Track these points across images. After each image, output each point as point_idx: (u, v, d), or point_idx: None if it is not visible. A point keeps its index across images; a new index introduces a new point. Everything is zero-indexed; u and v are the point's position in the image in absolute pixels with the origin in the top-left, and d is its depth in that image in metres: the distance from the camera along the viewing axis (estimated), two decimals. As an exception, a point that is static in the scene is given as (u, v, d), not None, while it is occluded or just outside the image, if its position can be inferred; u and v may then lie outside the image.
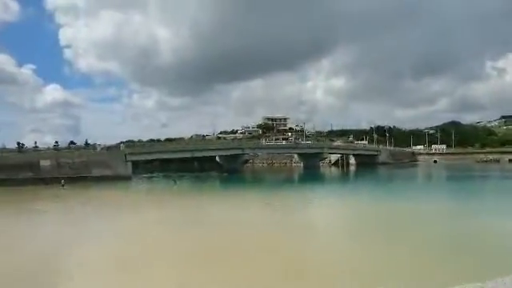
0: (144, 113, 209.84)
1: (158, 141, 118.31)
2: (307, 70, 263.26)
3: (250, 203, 29.40)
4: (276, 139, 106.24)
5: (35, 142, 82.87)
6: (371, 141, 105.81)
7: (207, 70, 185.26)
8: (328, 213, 24.35)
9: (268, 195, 34.88)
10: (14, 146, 77.75)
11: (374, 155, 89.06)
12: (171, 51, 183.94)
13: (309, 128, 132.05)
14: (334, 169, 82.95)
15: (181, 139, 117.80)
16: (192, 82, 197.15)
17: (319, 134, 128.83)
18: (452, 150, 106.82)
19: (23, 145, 80.00)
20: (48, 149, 66.42)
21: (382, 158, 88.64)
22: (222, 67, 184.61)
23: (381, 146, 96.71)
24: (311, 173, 69.49)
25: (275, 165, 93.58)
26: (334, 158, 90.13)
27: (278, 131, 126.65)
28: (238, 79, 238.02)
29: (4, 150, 60.24)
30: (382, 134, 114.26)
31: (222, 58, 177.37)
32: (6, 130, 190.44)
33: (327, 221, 21.06)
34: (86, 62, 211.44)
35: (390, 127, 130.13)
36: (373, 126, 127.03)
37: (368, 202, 28.66)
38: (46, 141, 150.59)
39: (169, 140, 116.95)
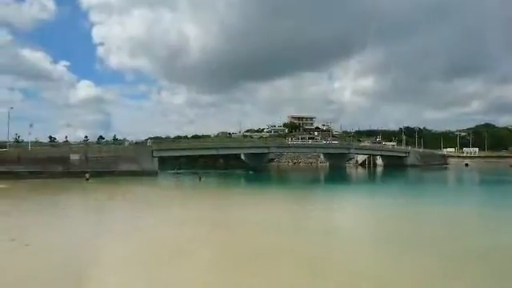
0: (172, 109, 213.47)
1: (185, 137, 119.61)
2: (335, 69, 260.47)
3: (274, 202, 29.15)
4: (302, 138, 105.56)
5: (66, 137, 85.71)
6: (399, 142, 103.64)
7: (235, 69, 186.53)
8: (352, 215, 23.85)
9: (293, 195, 34.65)
10: (47, 140, 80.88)
11: (403, 157, 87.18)
12: (200, 49, 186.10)
13: (336, 128, 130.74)
14: (360, 169, 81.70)
15: (207, 136, 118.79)
16: (220, 80, 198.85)
17: (346, 133, 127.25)
18: (484, 153, 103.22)
19: (55, 139, 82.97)
20: (78, 143, 68.39)
21: (411, 159, 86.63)
22: (250, 66, 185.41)
23: (409, 148, 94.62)
24: (337, 173, 68.66)
25: (301, 164, 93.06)
26: (360, 158, 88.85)
27: (305, 130, 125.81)
28: (265, 78, 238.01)
29: (37, 143, 62.40)
30: (410, 135, 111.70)
31: (250, 57, 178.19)
32: (40, 124, 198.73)
33: (351, 224, 20.59)
34: (117, 59, 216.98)
35: (419, 128, 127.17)
36: (401, 127, 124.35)
37: (396, 205, 27.88)
38: (78, 136, 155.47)
39: (195, 137, 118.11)
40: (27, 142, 58.65)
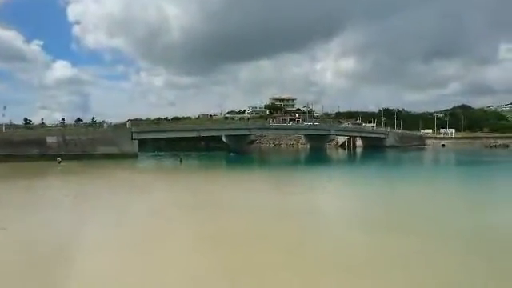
0: (152, 91, 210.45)
1: (166, 119, 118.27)
2: (316, 50, 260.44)
3: (255, 184, 29.28)
4: (283, 120, 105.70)
5: (42, 119, 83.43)
6: (379, 123, 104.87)
7: (216, 50, 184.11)
8: (332, 197, 24.08)
9: (273, 176, 34.87)
10: (22, 122, 78.50)
11: (382, 138, 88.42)
12: (180, 29, 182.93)
13: (317, 110, 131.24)
14: (340, 151, 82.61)
15: (188, 118, 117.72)
16: (200, 61, 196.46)
17: (327, 115, 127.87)
18: (461, 134, 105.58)
19: (30, 121, 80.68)
20: (55, 126, 66.66)
21: (390, 141, 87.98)
22: (231, 47, 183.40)
23: (389, 129, 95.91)
24: (318, 154, 69.30)
25: (282, 146, 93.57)
26: (341, 139, 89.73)
27: (286, 112, 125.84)
28: (246, 59, 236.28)
29: (11, 126, 60.50)
30: (390, 116, 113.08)
31: (231, 38, 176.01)
32: (15, 107, 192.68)
33: (331, 206, 20.83)
34: (94, 39, 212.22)
35: (398, 110, 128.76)
36: (381, 108, 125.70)
37: (374, 185, 28.35)
38: (55, 118, 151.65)
39: (176, 119, 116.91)
40: (1, 125, 56.86)
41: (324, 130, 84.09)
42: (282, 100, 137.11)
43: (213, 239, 12.71)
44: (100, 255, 11.00)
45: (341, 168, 47.28)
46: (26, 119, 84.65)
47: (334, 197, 23.53)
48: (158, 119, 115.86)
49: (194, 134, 68.55)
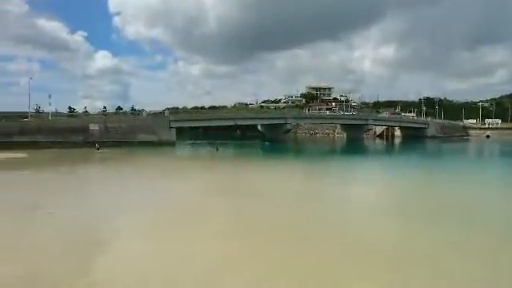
0: (189, 80, 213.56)
1: (202, 108, 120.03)
2: (355, 38, 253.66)
3: (290, 172, 29.09)
4: (319, 109, 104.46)
5: (85, 107, 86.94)
6: (419, 113, 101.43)
7: (252, 38, 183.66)
8: (368, 187, 23.53)
9: (309, 165, 34.55)
10: (66, 110, 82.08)
11: (422, 128, 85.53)
12: (217, 18, 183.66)
13: (354, 98, 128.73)
14: (378, 141, 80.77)
15: (224, 107, 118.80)
16: (237, 50, 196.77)
17: (365, 104, 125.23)
18: (507, 124, 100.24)
19: (74, 109, 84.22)
20: (97, 114, 69.18)
21: (431, 131, 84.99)
22: (267, 35, 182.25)
23: (429, 119, 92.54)
24: (354, 144, 67.99)
25: (317, 135, 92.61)
26: (378, 129, 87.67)
27: (322, 101, 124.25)
28: (283, 48, 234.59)
29: (56, 114, 63.39)
30: (431, 106, 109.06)
31: (267, 26, 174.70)
32: (60, 95, 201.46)
33: (367, 196, 20.35)
34: (133, 29, 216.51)
35: (440, 99, 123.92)
36: (422, 97, 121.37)
37: (414, 176, 27.51)
38: (97, 106, 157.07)
39: (212, 108, 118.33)
40: (47, 113, 59.65)
41: (361, 119, 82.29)
42: (318, 89, 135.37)
43: (247, 225, 12.77)
44: (139, 237, 11.28)
45: (379, 159, 46.18)
46: (70, 107, 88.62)
47: (372, 187, 22.97)
48: (195, 108, 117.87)
49: (230, 123, 69.05)
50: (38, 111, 68.88)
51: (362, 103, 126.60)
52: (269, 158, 44.38)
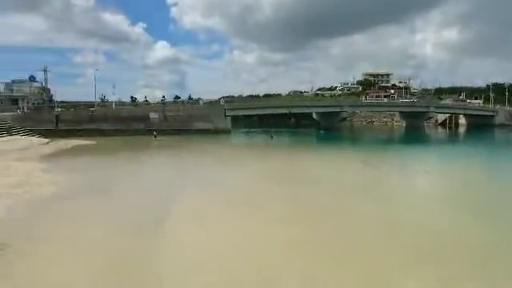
0: (244, 68, 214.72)
1: (257, 96, 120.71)
2: (415, 21, 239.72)
3: (347, 162, 28.66)
4: (377, 96, 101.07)
5: (145, 97, 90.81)
6: (486, 100, 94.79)
7: (307, 25, 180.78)
8: (429, 178, 22.59)
9: (366, 154, 33.65)
10: (129, 100, 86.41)
11: (490, 116, 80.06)
12: (272, 5, 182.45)
13: (414, 85, 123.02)
14: (440, 130, 76.85)
15: (278, 95, 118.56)
16: (292, 38, 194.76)
17: (426, 91, 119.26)
18: None
19: (136, 99, 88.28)
20: (156, 103, 72.13)
21: (499, 119, 79.42)
22: (323, 22, 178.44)
23: (498, 106, 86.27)
24: (414, 133, 65.19)
25: (375, 123, 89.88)
26: (441, 117, 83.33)
27: (380, 88, 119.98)
28: (339, 34, 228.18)
29: (120, 103, 67.03)
30: (500, 92, 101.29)
31: (323, 13, 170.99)
32: (122, 85, 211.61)
33: (429, 188, 19.62)
34: (190, 19, 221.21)
35: (510, 85, 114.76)
36: (489, 83, 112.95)
37: (478, 168, 26.02)
38: (156, 95, 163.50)
39: (267, 96, 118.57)
40: (111, 102, 63.21)
41: (422, 106, 78.53)
42: (375, 75, 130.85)
43: (303, 212, 12.88)
44: (196, 221, 11.80)
45: (441, 148, 44.01)
46: (132, 97, 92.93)
47: (433, 178, 22.08)
48: (250, 96, 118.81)
49: (285, 111, 68.92)
50: (103, 101, 73.19)
51: (422, 90, 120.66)
52: (324, 146, 43.98)
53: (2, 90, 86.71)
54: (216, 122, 54.89)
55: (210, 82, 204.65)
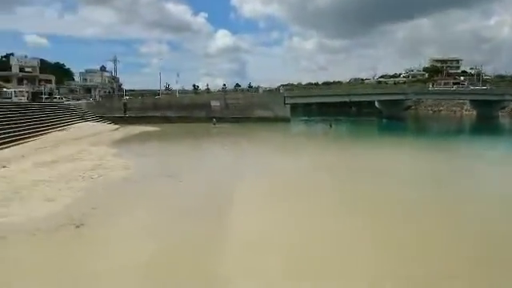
0: (303, 56, 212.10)
1: (316, 84, 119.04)
2: (490, 2, 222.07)
3: (412, 153, 27.49)
4: (445, 84, 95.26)
5: (207, 85, 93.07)
6: None
7: (370, 10, 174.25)
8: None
9: (432, 146, 31.98)
10: (191, 88, 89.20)
11: None
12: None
13: (487, 71, 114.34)
14: (516, 119, 70.95)
15: (338, 83, 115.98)
16: (353, 23, 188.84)
17: (500, 78, 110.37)
18: None
19: (198, 87, 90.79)
20: (217, 91, 73.75)
21: None
22: (387, 6, 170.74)
23: None
24: (487, 123, 60.70)
25: (442, 112, 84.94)
26: (517, 106, 76.76)
27: (448, 75, 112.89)
28: (403, 18, 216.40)
29: (182, 91, 69.46)
30: None
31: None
32: (185, 73, 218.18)
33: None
34: (250, 7, 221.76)
35: None
36: None
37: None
38: (217, 84, 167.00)
39: (326, 84, 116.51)
40: (175, 90, 65.65)
41: (496, 94, 72.75)
42: (444, 61, 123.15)
43: (365, 203, 12.61)
44: (256, 206, 12.00)
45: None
46: (194, 85, 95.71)
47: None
48: (310, 84, 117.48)
49: (345, 99, 67.37)
50: (167, 89, 76.26)
51: (496, 76, 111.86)
52: (386, 136, 42.33)
53: (77, 79, 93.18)
54: (275, 110, 54.96)
55: (269, 69, 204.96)
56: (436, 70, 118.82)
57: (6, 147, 23.42)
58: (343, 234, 9.83)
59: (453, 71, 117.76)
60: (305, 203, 12.71)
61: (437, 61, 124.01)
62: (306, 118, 67.08)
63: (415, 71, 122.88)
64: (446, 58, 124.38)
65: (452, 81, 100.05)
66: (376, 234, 9.87)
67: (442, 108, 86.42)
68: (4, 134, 25.79)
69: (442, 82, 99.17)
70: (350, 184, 15.98)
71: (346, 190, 14.94)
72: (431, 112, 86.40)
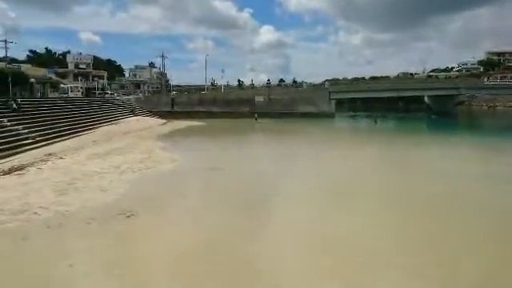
0: (349, 50, 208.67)
1: (363, 79, 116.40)
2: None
3: (463, 152, 26.05)
4: (502, 78, 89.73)
5: (251, 80, 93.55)
6: None
7: (420, 1, 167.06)
8: None
9: (487, 146, 29.97)
10: (236, 83, 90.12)
11: None
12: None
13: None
14: None
15: (386, 78, 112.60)
16: (401, 15, 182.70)
17: None
18: None
19: (242, 82, 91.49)
20: (262, 86, 74.01)
21: None
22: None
23: None
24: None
25: (498, 108, 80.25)
26: None
27: (506, 68, 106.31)
28: (457, 9, 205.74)
29: (228, 87, 70.37)
30: None
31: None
32: (230, 69, 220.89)
33: None
34: (295, 1, 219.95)
35: None
36: None
37: None
38: (261, 79, 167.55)
39: (374, 78, 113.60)
40: (220, 86, 66.64)
41: (560, 89, 67.84)
42: (501, 54, 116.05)
43: (411, 203, 12.25)
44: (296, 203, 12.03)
45: None
46: (239, 80, 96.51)
47: None
48: (356, 79, 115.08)
49: (393, 94, 65.29)
50: (213, 84, 77.53)
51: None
52: (436, 134, 40.45)
53: (127, 75, 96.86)
54: (320, 106, 54.43)
55: (314, 64, 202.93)
56: (492, 64, 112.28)
57: (62, 140, 24.96)
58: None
59: (511, 64, 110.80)
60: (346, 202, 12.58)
61: (493, 53, 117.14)
62: (352, 113, 65.80)
63: (469, 65, 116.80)
64: (503, 50, 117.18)
65: (510, 75, 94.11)
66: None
67: (498, 104, 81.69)
68: (60, 127, 27.46)
69: (499, 75, 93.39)
70: (393, 185, 15.57)
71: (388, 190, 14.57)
72: (486, 108, 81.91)
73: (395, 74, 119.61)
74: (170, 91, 63.05)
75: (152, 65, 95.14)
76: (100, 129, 31.73)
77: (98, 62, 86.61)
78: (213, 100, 54.81)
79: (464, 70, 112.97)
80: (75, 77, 70.95)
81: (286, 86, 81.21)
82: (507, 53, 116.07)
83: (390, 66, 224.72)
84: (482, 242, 9.13)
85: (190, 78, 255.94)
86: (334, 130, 42.97)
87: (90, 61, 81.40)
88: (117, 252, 8.25)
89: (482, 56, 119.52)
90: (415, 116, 61.49)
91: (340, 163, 20.42)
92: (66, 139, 25.38)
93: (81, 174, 15.28)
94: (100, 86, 64.43)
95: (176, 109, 52.47)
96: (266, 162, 20.64)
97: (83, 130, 29.44)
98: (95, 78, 71.37)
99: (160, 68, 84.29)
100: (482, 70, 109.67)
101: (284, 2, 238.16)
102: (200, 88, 70.61)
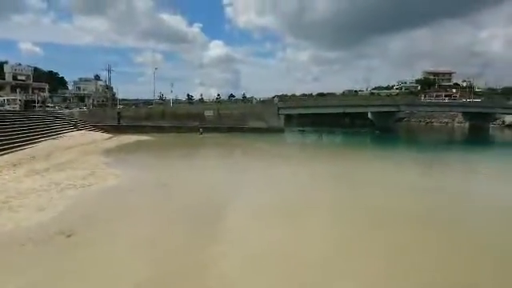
0: (297, 67, 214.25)
1: (310, 95, 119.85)
2: (483, 15, 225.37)
3: (404, 164, 27.68)
4: (437, 96, 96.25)
5: (201, 95, 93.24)
6: None
7: (364, 21, 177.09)
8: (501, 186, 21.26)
9: (425, 158, 32.13)
10: (185, 97, 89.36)
11: None
12: (327, 2, 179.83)
13: (479, 84, 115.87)
14: (508, 132, 71.62)
15: (332, 94, 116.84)
16: (347, 34, 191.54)
17: (491, 90, 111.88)
18: None
19: (192, 97, 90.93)
20: (211, 101, 74.00)
21: None
22: (381, 16, 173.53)
23: None
24: (478, 135, 61.32)
25: (434, 124, 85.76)
26: (508, 119, 77.71)
27: (440, 87, 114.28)
28: (397, 30, 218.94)
29: (176, 101, 69.54)
30: None
31: (381, 7, 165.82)
32: (179, 83, 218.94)
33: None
34: (245, 18, 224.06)
35: None
36: None
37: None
38: (210, 93, 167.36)
39: (320, 95, 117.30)
40: (169, 100, 65.73)
41: (487, 107, 73.76)
42: (436, 74, 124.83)
43: (357, 214, 12.68)
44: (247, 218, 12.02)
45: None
46: (188, 95, 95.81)
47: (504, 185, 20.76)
48: (304, 95, 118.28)
49: (339, 111, 67.69)
50: (161, 98, 76.29)
51: (488, 89, 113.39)
52: (378, 148, 42.45)
53: (71, 88, 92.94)
54: (269, 121, 55.16)
55: (264, 80, 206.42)
56: (428, 83, 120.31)
57: (-4, 156, 23.29)
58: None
59: (445, 83, 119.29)
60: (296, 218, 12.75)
61: (429, 73, 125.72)
62: (300, 128, 67.26)
63: (408, 83, 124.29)
64: (438, 70, 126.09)
65: (444, 93, 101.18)
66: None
67: (433, 120, 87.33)
68: (-5, 142, 25.66)
69: (434, 94, 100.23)
70: (340, 197, 16.06)
71: (336, 203, 15.01)
72: (423, 124, 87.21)
73: (341, 91, 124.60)
74: (116, 105, 61.10)
75: (97, 77, 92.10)
76: (40, 144, 30.01)
77: (38, 74, 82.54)
78: (161, 114, 53.79)
79: (403, 88, 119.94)
80: (13, 89, 66.93)
81: (236, 101, 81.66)
82: (441, 73, 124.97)
83: (336, 83, 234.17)
84: (426, 248, 9.63)
85: (137, 92, 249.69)
86: (283, 145, 43.63)
87: (29, 72, 77.38)
88: (53, 275, 7.77)
89: (419, 75, 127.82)
90: (360, 131, 64.06)
91: (286, 179, 20.74)
92: (1, 155, 23.73)
93: (16, 192, 14.33)
94: (40, 99, 61.18)
95: (122, 123, 50.90)
96: (214, 177, 20.42)
97: (22, 145, 27.69)
98: (35, 91, 67.79)
99: (106, 81, 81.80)
100: (419, 88, 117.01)
101: (234, 18, 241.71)
102: (148, 102, 69.26)
